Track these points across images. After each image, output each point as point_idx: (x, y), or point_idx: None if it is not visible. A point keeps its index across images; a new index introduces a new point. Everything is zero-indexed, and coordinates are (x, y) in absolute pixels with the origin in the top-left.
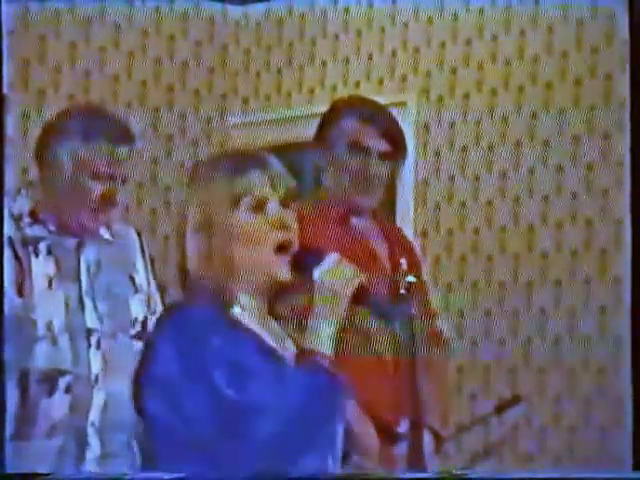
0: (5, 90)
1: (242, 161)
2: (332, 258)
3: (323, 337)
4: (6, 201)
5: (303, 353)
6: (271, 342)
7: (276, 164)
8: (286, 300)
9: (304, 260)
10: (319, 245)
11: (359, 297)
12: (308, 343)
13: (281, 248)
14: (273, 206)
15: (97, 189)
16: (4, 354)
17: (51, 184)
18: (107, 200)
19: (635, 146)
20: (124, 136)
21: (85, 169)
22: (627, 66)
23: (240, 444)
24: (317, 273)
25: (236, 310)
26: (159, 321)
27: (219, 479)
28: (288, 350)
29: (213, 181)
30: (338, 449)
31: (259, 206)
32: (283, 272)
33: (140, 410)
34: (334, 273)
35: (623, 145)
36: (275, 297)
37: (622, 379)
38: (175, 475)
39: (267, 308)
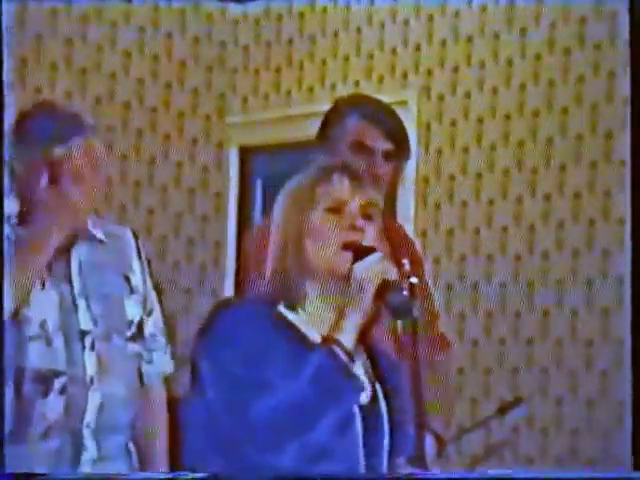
0: (5, 90)
1: (329, 166)
2: (374, 257)
3: (346, 328)
4: (6, 202)
5: (326, 340)
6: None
7: (362, 174)
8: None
9: (355, 257)
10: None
11: (381, 293)
12: (334, 333)
13: (347, 246)
14: (351, 209)
15: (47, 192)
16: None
17: (16, 190)
18: (61, 201)
19: (636, 143)
20: (57, 135)
21: (27, 174)
22: (627, 69)
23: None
24: (356, 269)
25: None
26: (207, 320)
27: (217, 478)
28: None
29: (299, 183)
30: (356, 441)
31: (337, 208)
32: (344, 266)
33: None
34: (370, 270)
35: (625, 144)
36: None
37: (624, 381)
38: (171, 474)
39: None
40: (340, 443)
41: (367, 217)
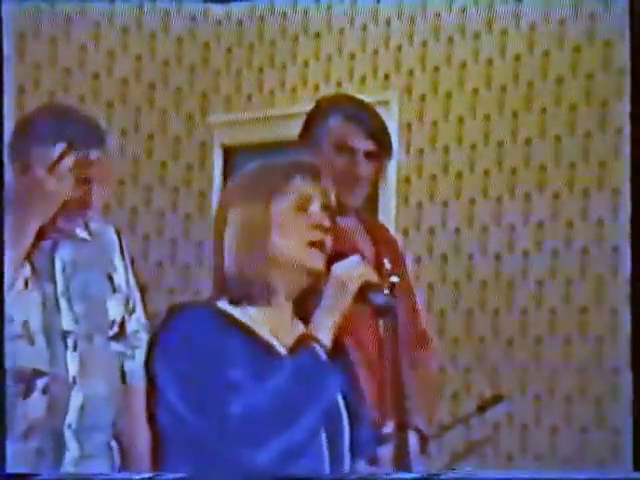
0: (8, 94)
1: (293, 164)
2: (354, 259)
3: (324, 327)
4: None
5: (303, 337)
6: (269, 338)
7: (324, 174)
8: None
9: (331, 260)
10: (346, 248)
11: (362, 294)
12: (313, 331)
13: (314, 244)
14: (315, 208)
15: (72, 193)
16: None
17: (24, 188)
18: (83, 204)
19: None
20: (95, 138)
21: (56, 173)
22: (627, 76)
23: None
24: (336, 268)
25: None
26: (162, 323)
27: (195, 478)
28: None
29: (261, 180)
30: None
31: (302, 206)
32: (317, 262)
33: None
34: (349, 271)
35: (606, 144)
36: (304, 297)
37: (603, 377)
38: (149, 474)
39: (294, 309)
40: (315, 442)
41: (326, 212)
